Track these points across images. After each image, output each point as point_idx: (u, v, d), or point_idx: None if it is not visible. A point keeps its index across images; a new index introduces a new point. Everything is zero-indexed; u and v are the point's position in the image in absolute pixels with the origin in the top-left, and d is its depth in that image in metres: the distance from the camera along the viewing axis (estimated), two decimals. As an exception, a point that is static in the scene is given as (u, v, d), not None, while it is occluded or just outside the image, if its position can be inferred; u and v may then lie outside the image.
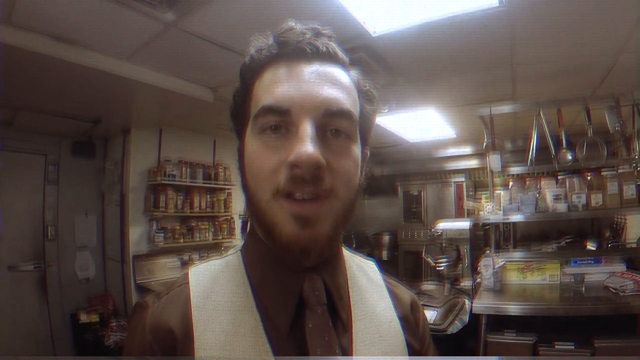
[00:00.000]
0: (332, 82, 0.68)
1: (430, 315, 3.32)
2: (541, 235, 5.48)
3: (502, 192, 4.03)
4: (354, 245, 6.36)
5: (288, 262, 0.71)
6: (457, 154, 6.61)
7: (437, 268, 4.34)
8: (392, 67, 3.08)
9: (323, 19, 2.18)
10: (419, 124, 4.90)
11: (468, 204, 5.50)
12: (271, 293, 0.72)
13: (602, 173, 3.75)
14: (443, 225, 4.61)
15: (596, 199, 3.67)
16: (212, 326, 0.67)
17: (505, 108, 3.88)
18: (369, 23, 2.43)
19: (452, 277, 4.34)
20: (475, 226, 4.56)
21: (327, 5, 2.18)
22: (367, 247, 7.28)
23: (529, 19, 2.44)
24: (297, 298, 0.70)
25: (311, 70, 0.68)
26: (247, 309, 0.70)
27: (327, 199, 0.64)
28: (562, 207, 3.72)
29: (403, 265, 6.74)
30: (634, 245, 4.11)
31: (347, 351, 0.71)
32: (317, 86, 0.66)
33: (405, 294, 0.90)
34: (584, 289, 3.47)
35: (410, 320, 0.85)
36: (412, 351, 0.81)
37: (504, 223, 4.92)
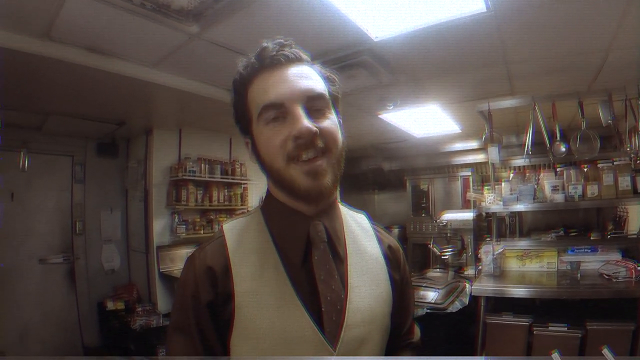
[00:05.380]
0: (305, 76, 0.96)
1: (432, 295, 3.53)
2: (547, 228, 5.52)
3: (503, 184, 4.22)
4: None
5: (297, 213, 0.99)
6: (463, 148, 6.64)
7: (442, 257, 4.55)
8: (394, 67, 3.26)
9: (329, 28, 2.47)
10: (425, 120, 5.03)
11: (471, 195, 5.64)
12: (286, 237, 0.99)
13: (598, 165, 3.90)
14: (448, 216, 4.77)
15: (592, 189, 3.83)
16: (245, 264, 0.95)
17: (503, 103, 4.03)
18: (370, 29, 2.64)
19: (457, 265, 4.54)
20: (479, 217, 4.71)
21: (333, 15, 2.40)
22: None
23: (516, 22, 2.60)
24: (305, 239, 0.97)
25: (288, 72, 0.95)
26: (269, 250, 0.97)
27: (323, 155, 0.93)
28: (559, 197, 3.90)
29: (412, 257, 6.79)
30: (635, 236, 4.24)
31: (343, 277, 0.98)
32: (297, 82, 0.94)
33: (389, 239, 1.17)
34: (579, 275, 3.65)
35: (391, 258, 1.12)
36: (393, 281, 1.08)
37: (509, 215, 5.09)
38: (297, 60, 0.98)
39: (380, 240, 1.13)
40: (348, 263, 1.01)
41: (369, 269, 1.04)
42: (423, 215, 6.97)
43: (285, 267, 0.95)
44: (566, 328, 3.27)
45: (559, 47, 3.05)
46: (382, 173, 7.53)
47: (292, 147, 0.90)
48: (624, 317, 3.17)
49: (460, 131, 5.75)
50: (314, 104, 0.94)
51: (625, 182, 3.76)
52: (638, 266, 3.47)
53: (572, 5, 2.43)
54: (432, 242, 4.95)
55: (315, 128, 0.90)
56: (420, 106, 4.41)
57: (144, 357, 4.11)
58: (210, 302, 0.92)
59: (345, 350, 0.91)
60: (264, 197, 1.09)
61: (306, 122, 0.89)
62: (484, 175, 6.65)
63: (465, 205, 6.27)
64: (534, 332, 3.34)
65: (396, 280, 1.09)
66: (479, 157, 6.48)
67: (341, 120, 1.03)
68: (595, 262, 3.82)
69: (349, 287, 0.97)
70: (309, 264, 0.96)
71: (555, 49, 3.08)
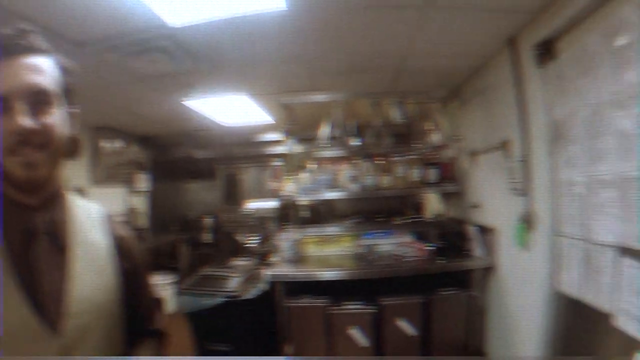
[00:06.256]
0: (34, 70, 0.94)
1: (230, 283, 3.62)
2: (355, 214, 5.86)
3: (303, 174, 4.49)
4: (177, 230, 6.40)
5: (19, 205, 0.97)
6: (275, 139, 6.71)
7: (247, 245, 4.66)
8: (196, 55, 3.19)
9: (124, 9, 2.28)
10: (233, 109, 5.05)
11: (272, 184, 5.82)
12: (9, 228, 0.96)
13: (392, 159, 4.41)
14: (253, 205, 4.90)
15: (386, 180, 4.31)
16: None
17: (304, 98, 4.24)
18: (167, 15, 2.53)
19: (262, 253, 4.67)
20: (283, 205, 4.91)
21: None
22: (190, 231, 7.14)
23: (315, 22, 2.71)
24: (26, 230, 0.97)
25: (18, 64, 0.92)
26: None
27: (42, 149, 0.92)
28: (355, 187, 4.28)
29: (226, 246, 6.76)
30: (430, 220, 4.89)
31: (65, 267, 1.00)
32: (23, 76, 0.92)
33: (121, 230, 1.21)
34: (374, 257, 4.06)
35: (122, 247, 1.16)
36: (123, 268, 1.13)
37: (319, 204, 5.38)
38: (33, 50, 0.96)
39: (110, 231, 1.17)
40: (71, 254, 1.03)
41: (94, 259, 1.07)
42: (234, 204, 7.02)
43: (8, 259, 0.93)
44: (361, 305, 3.61)
45: (358, 48, 3.26)
46: (193, 161, 7.36)
47: (10, 142, 0.90)
48: (417, 292, 3.65)
49: (274, 122, 5.85)
50: (38, 99, 0.94)
51: (415, 174, 4.35)
52: (426, 246, 4.04)
53: (369, 11, 2.61)
54: (240, 232, 5.01)
55: (34, 125, 0.91)
56: (227, 95, 4.42)
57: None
58: None
59: (70, 339, 0.95)
60: None
61: (24, 121, 0.90)
62: (293, 166, 6.86)
63: (275, 194, 6.43)
64: (332, 312, 3.61)
65: (127, 269, 1.15)
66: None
67: (75, 110, 1.06)
68: (391, 244, 4.31)
69: (70, 277, 1.00)
70: (30, 256, 0.96)
71: (354, 50, 3.30)
